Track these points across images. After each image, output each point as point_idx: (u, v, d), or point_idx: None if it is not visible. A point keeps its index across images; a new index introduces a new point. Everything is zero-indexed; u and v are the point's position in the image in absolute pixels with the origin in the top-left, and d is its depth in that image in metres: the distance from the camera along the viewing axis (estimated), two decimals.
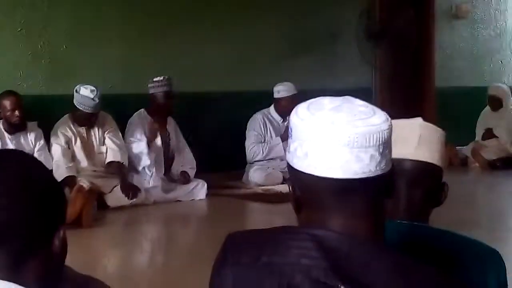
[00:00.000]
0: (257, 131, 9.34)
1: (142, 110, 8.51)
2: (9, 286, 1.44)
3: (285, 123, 9.23)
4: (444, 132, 2.21)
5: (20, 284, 1.44)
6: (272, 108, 9.45)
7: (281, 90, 9.37)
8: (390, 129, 1.55)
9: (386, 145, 1.54)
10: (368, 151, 1.51)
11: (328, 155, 1.51)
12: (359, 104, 1.58)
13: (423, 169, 2.12)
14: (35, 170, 1.55)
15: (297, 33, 10.35)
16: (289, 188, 1.65)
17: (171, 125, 8.70)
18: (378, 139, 1.51)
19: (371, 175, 1.52)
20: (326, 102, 1.57)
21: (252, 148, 9.31)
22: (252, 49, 10.00)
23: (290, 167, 1.59)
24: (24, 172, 1.52)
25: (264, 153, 9.27)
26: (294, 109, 1.59)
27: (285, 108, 9.13)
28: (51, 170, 7.33)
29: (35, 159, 1.61)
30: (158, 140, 8.49)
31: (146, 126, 8.43)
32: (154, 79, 8.46)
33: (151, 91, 8.47)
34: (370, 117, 1.53)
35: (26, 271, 1.48)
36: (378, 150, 1.52)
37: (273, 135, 9.35)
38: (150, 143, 8.37)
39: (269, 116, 9.44)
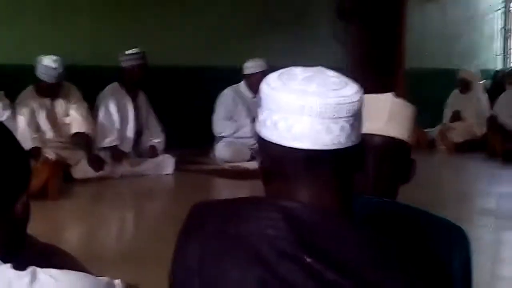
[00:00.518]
0: (227, 106, 9.31)
1: (116, 83, 8.45)
2: None
3: (255, 99, 9.19)
4: (414, 108, 2.20)
5: None
6: (242, 84, 9.42)
7: (251, 67, 9.33)
8: (362, 101, 1.53)
9: (357, 117, 1.52)
10: (339, 122, 1.49)
11: (298, 125, 1.49)
12: (331, 75, 1.56)
13: (392, 144, 2.11)
14: None
15: (269, 9, 10.33)
16: (257, 159, 1.62)
17: (142, 99, 8.66)
18: (349, 111, 1.50)
19: (341, 147, 1.50)
20: (298, 72, 1.55)
21: (220, 123, 9.28)
22: (223, 25, 9.97)
23: (259, 137, 1.56)
24: None
25: (231, 131, 9.24)
26: (265, 78, 1.57)
27: (255, 84, 9.04)
28: None
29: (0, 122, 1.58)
30: (130, 114, 8.45)
31: (119, 99, 8.38)
32: (127, 52, 8.39)
33: (124, 64, 8.39)
34: (342, 88, 1.52)
35: None
36: (349, 121, 1.50)
37: (243, 111, 9.32)
38: (122, 117, 8.35)
39: (239, 92, 9.41)
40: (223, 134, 9.26)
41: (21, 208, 1.52)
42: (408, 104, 2.20)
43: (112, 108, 8.32)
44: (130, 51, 8.38)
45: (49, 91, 7.91)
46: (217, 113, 9.34)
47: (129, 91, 8.47)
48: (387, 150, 2.10)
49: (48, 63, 7.73)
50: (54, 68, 7.72)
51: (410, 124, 2.16)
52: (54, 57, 7.74)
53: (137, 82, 8.46)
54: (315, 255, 1.45)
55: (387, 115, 2.11)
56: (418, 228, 1.99)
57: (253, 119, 8.92)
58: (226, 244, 1.51)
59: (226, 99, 9.36)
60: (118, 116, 8.34)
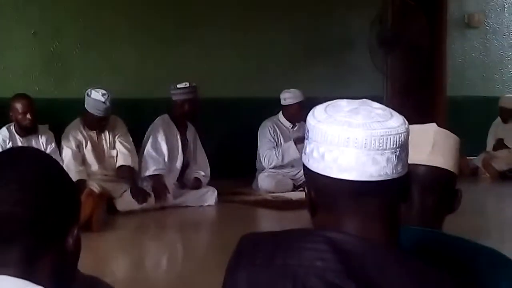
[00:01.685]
0: (269, 138, 9.29)
1: (166, 115, 8.47)
2: (22, 284, 1.43)
3: (295, 128, 9.23)
4: (458, 139, 2.19)
5: (33, 282, 1.43)
6: (280, 114, 9.43)
7: (288, 98, 9.33)
8: (407, 132, 1.54)
9: (402, 148, 1.53)
10: (385, 154, 1.50)
11: (344, 157, 1.50)
12: (376, 107, 1.57)
13: (436, 175, 2.10)
14: (50, 167, 1.55)
15: (309, 40, 10.35)
16: (304, 190, 1.64)
17: (191, 132, 8.67)
18: (395, 142, 1.51)
19: (387, 178, 1.52)
20: (343, 104, 1.57)
21: (266, 154, 9.24)
22: (264, 56, 10.01)
23: (306, 168, 1.58)
24: (40, 168, 1.52)
25: (279, 158, 9.21)
26: (311, 111, 1.59)
27: (293, 114, 9.17)
28: None
29: (51, 157, 1.61)
30: (178, 147, 8.47)
31: (168, 131, 8.41)
32: (179, 86, 8.40)
33: (174, 97, 8.40)
34: (387, 120, 1.53)
35: (40, 268, 1.48)
36: (395, 153, 1.51)
37: (283, 141, 9.32)
38: (170, 149, 8.37)
39: (278, 122, 9.41)
40: (272, 165, 9.21)
41: (72, 241, 1.54)
42: (452, 134, 2.19)
43: (161, 139, 8.34)
44: (181, 85, 8.39)
45: (97, 124, 7.97)
46: (262, 146, 9.29)
47: (178, 123, 8.49)
48: (431, 180, 2.10)
49: (97, 97, 7.78)
50: (103, 102, 7.78)
51: (454, 154, 2.15)
52: (103, 91, 7.78)
53: (187, 115, 8.47)
54: (363, 286, 1.45)
55: (431, 145, 2.11)
56: (465, 259, 1.97)
57: (296, 141, 8.95)
58: (274, 275, 1.52)
59: (267, 131, 9.31)
60: (166, 148, 8.35)
